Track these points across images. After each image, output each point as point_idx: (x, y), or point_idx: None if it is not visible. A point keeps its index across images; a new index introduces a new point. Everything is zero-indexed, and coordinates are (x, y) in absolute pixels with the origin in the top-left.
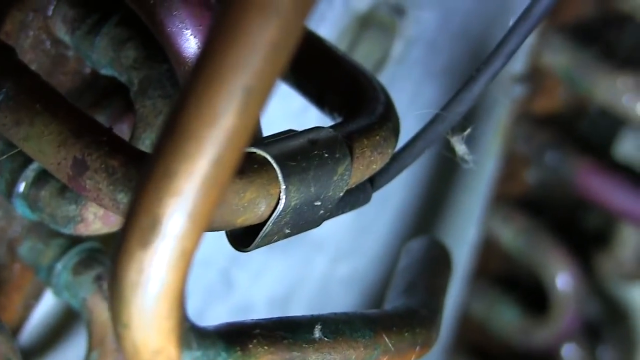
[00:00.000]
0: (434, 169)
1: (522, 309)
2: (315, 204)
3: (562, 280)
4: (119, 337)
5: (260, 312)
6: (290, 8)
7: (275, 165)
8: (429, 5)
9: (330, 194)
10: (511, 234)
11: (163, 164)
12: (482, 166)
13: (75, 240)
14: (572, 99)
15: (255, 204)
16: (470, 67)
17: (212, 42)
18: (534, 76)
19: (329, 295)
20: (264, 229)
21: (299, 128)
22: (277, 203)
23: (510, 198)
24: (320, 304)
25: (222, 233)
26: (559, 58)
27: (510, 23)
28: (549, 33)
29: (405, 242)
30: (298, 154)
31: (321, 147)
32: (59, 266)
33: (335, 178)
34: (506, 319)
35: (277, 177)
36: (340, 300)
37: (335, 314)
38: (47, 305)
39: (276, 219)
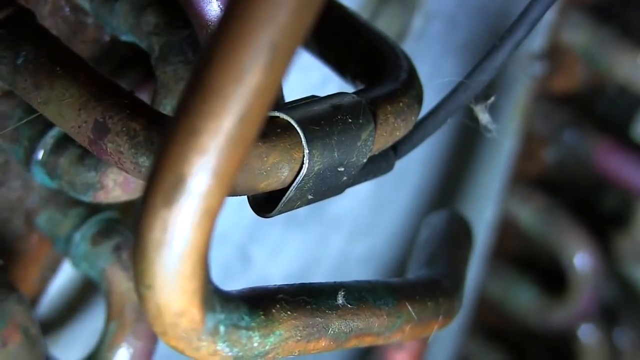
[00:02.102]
0: (452, 146)
1: (539, 289)
2: (339, 169)
3: (581, 260)
4: (141, 299)
5: None
6: None
7: (298, 129)
8: None
9: (353, 159)
10: (529, 214)
11: (187, 121)
12: (501, 144)
13: (93, 210)
14: (591, 77)
15: (278, 169)
16: (488, 42)
17: None
18: (553, 54)
19: (346, 272)
20: (287, 193)
21: None
22: (300, 168)
23: (529, 177)
24: (336, 280)
25: (239, 209)
26: (579, 36)
27: None
28: (568, 11)
29: (422, 220)
30: (321, 118)
31: (345, 112)
32: (77, 236)
33: (358, 144)
34: (523, 299)
35: (300, 142)
36: (357, 276)
37: (358, 281)
38: (64, 277)
39: (299, 183)
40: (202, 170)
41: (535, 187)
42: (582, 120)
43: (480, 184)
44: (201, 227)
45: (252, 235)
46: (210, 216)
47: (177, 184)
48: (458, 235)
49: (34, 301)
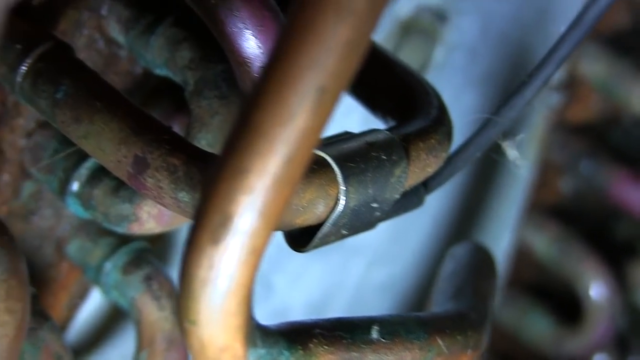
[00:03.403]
0: (470, 175)
1: (553, 318)
2: (372, 205)
3: (596, 290)
4: (185, 334)
5: (298, 316)
6: (365, 7)
7: (335, 167)
8: (470, 11)
9: (386, 195)
10: (544, 243)
11: (235, 161)
12: (518, 174)
13: (124, 240)
14: (608, 108)
15: (314, 205)
16: (509, 74)
17: (286, 41)
18: (570, 85)
19: (365, 300)
20: (322, 229)
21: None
22: (336, 204)
23: (544, 206)
24: (356, 309)
25: None
26: (595, 67)
27: (549, 30)
28: (586, 42)
29: (441, 249)
30: (356, 155)
31: (379, 149)
32: (108, 265)
33: (392, 180)
34: (537, 328)
35: (336, 178)
36: (376, 305)
37: (390, 315)
38: (92, 304)
39: (335, 219)
40: (248, 209)
41: (550, 216)
42: (598, 151)
43: (497, 213)
44: (247, 265)
45: (274, 264)
46: (256, 254)
47: (224, 223)
48: (482, 267)
49: (62, 328)
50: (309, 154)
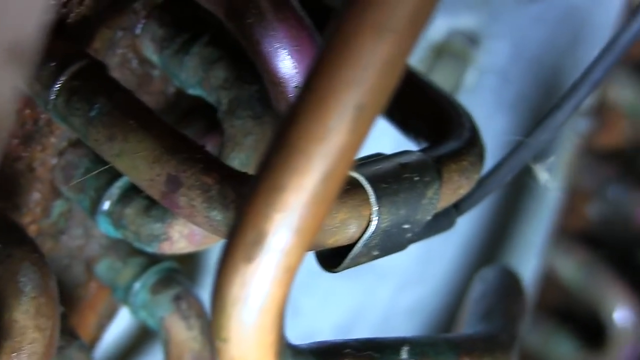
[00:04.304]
0: (499, 199)
1: (578, 342)
2: (404, 226)
3: (621, 315)
4: (217, 352)
5: (325, 338)
6: (405, 26)
7: (368, 187)
8: (502, 35)
9: (418, 217)
10: (571, 267)
11: (271, 178)
12: (546, 198)
13: (153, 260)
14: (636, 134)
15: (346, 225)
16: (541, 98)
17: (326, 57)
18: (600, 110)
19: (392, 323)
20: (354, 250)
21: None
22: (368, 225)
23: (571, 231)
24: (383, 331)
25: None
26: (625, 93)
27: (582, 55)
28: (615, 68)
29: (469, 272)
30: (389, 176)
31: (411, 171)
32: (137, 285)
33: (424, 201)
34: (562, 351)
35: (368, 199)
36: (404, 328)
37: (420, 336)
38: (120, 324)
39: (366, 240)
40: (283, 227)
41: (577, 241)
42: (626, 176)
43: (525, 237)
44: (280, 284)
45: (302, 286)
46: (290, 272)
47: (258, 241)
48: (511, 290)
49: (89, 348)
50: (346, 172)
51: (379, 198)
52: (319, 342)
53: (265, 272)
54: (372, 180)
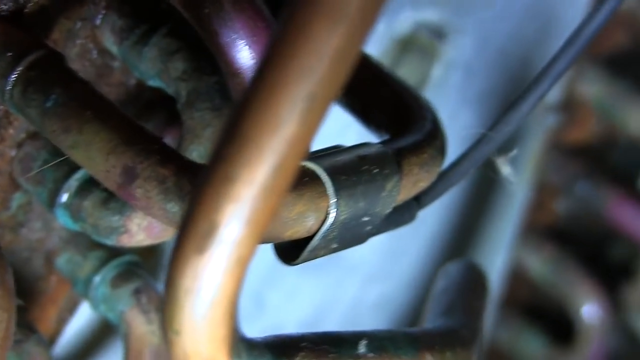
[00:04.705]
0: (466, 195)
1: (547, 339)
2: (363, 219)
3: (589, 311)
4: (169, 344)
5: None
6: (357, 14)
7: (326, 179)
8: (469, 29)
9: (377, 210)
10: (539, 263)
11: (223, 169)
12: (514, 194)
13: (113, 253)
14: (605, 130)
15: (304, 217)
16: (507, 92)
17: (276, 47)
18: (568, 106)
19: (359, 318)
20: (312, 242)
21: None
22: (326, 217)
23: (540, 227)
24: (350, 326)
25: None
26: (593, 88)
27: (549, 48)
28: (584, 63)
29: (435, 267)
30: (348, 168)
31: (370, 163)
32: (97, 279)
33: (383, 194)
34: (531, 348)
35: (326, 191)
36: (370, 323)
37: (378, 330)
38: (81, 319)
39: (324, 233)
40: (235, 218)
41: (546, 237)
42: (594, 172)
43: (493, 233)
44: (232, 275)
45: (267, 280)
46: (242, 264)
47: (210, 232)
48: (475, 285)
49: (50, 342)
50: (298, 163)
51: (337, 190)
52: (275, 335)
53: (217, 263)
54: (330, 172)
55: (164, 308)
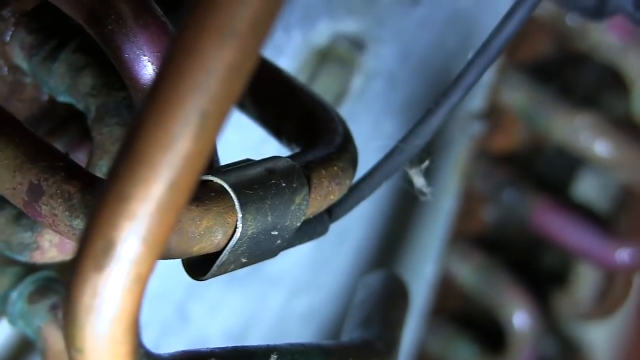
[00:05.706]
0: (392, 205)
1: (479, 347)
2: (272, 233)
3: (519, 319)
4: None
5: (216, 346)
6: (247, 30)
7: (232, 194)
8: (389, 39)
9: (287, 223)
10: (468, 272)
11: (118, 187)
12: (440, 203)
13: (30, 269)
14: (530, 137)
15: (211, 232)
16: (430, 101)
17: (167, 64)
18: (492, 114)
19: (286, 330)
20: (220, 257)
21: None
22: (234, 232)
23: (468, 235)
24: (276, 338)
25: (179, 266)
26: (517, 96)
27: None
28: (507, 71)
29: (358, 281)
30: (255, 182)
31: (278, 177)
32: (14, 295)
33: (292, 208)
34: (463, 357)
35: (234, 206)
36: (297, 335)
37: (291, 344)
38: (1, 335)
39: (232, 247)
40: (131, 236)
41: (474, 245)
42: (520, 180)
43: (420, 242)
44: (131, 293)
45: (191, 293)
46: (141, 281)
47: (107, 250)
48: (394, 296)
49: None
50: (194, 180)
51: (243, 205)
52: (183, 351)
53: (116, 280)
54: (236, 186)
55: (65, 326)
